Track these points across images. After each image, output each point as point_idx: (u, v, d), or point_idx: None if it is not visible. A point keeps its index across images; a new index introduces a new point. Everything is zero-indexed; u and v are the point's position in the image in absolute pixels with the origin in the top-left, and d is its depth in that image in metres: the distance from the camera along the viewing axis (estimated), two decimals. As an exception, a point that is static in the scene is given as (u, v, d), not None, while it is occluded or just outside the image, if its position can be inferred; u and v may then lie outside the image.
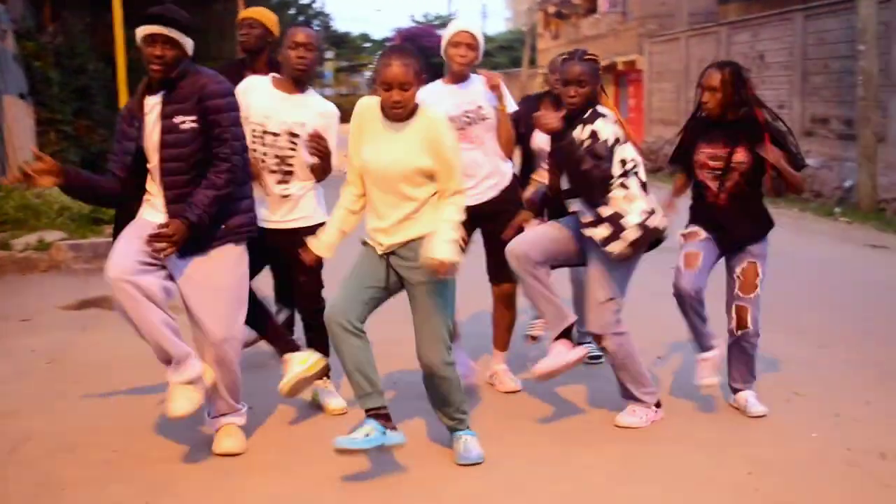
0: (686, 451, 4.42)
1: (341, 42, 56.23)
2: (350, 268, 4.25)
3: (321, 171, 4.77)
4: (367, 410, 4.15)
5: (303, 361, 4.71)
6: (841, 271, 9.35)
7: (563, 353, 4.59)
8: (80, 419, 4.80)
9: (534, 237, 4.71)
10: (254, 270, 4.71)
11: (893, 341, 6.44)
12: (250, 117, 4.69)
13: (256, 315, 4.76)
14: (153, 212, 4.28)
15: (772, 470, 4.20)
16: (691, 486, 4.04)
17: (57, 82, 12.44)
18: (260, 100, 4.73)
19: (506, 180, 5.20)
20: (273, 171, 4.76)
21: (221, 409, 4.41)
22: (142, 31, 4.13)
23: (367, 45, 58.62)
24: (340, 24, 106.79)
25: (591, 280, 4.66)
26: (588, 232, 4.52)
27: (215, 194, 4.15)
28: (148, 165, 4.26)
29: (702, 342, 4.91)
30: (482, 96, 5.08)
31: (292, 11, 43.89)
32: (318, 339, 4.97)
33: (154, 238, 4.01)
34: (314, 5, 51.27)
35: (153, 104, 4.21)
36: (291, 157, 4.76)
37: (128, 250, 4.11)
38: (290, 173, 4.78)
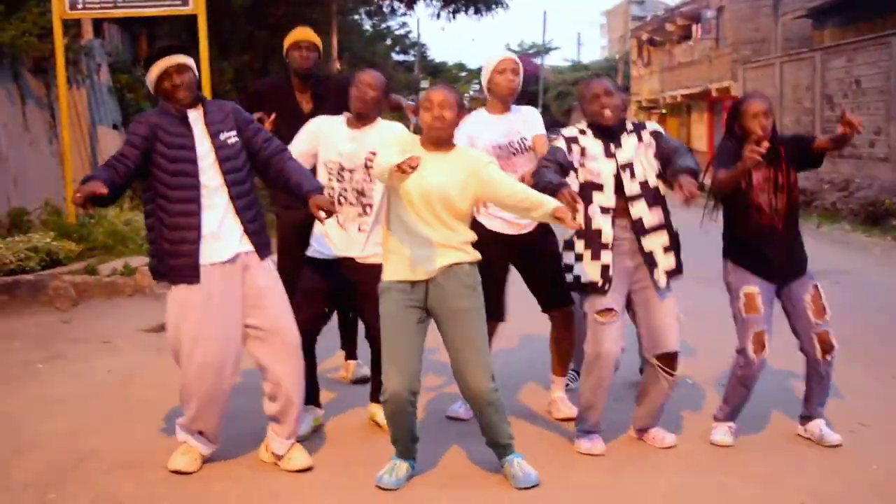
0: (740, 483, 4.34)
1: (437, 71, 56.73)
2: (388, 332, 4.26)
3: None
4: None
5: (316, 421, 5.07)
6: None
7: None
8: (143, 439, 4.94)
9: (618, 332, 4.64)
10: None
11: (973, 373, 6.21)
12: (323, 156, 4.87)
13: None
14: (211, 241, 4.34)
15: (827, 502, 4.10)
16: (739, 517, 3.98)
17: (149, 113, 12.86)
18: (332, 138, 4.89)
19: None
20: (352, 205, 4.86)
21: (294, 429, 4.53)
22: (157, 69, 4.33)
23: (463, 73, 58.98)
24: (436, 54, 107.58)
25: (661, 301, 4.64)
26: (652, 241, 4.61)
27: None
28: (200, 177, 4.32)
29: (729, 412, 4.90)
30: (525, 126, 5.20)
31: (388, 42, 44.60)
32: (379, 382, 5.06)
33: (325, 217, 4.31)
34: (410, 35, 52.04)
35: (192, 121, 4.38)
36: (370, 189, 4.87)
37: (214, 335, 4.35)
38: (369, 206, 4.88)
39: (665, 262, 4.62)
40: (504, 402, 4.35)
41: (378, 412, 5.08)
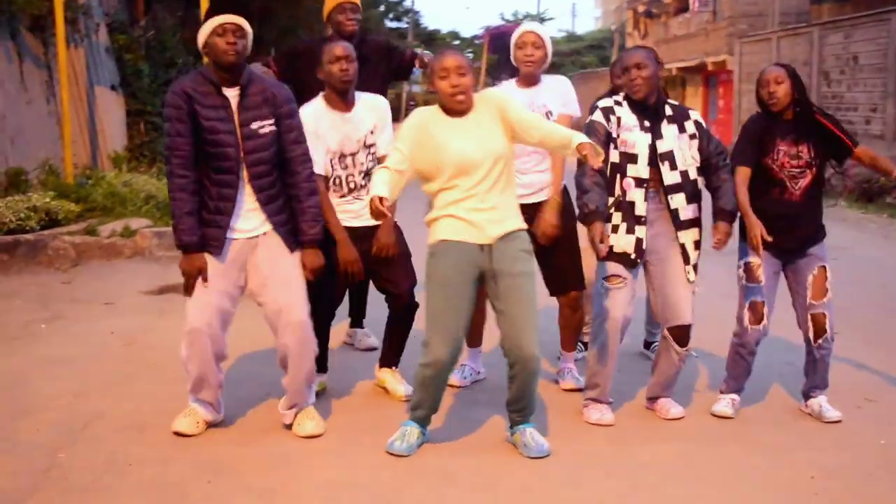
0: (747, 454, 4.37)
1: (431, 39, 56.44)
2: (439, 295, 4.20)
3: None
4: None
5: (320, 385, 5.00)
6: (926, 278, 9.09)
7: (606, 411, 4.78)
8: (151, 400, 4.93)
9: (624, 298, 4.65)
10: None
11: (975, 351, 6.25)
12: (319, 146, 4.75)
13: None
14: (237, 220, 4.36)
15: (835, 475, 4.13)
16: (747, 489, 4.00)
17: (147, 75, 12.76)
18: (321, 129, 4.78)
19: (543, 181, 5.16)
20: (362, 186, 4.85)
21: (297, 400, 4.52)
22: (214, 22, 4.24)
23: (457, 42, 58.72)
24: (430, 22, 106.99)
25: (679, 273, 4.66)
26: (687, 235, 4.65)
27: (319, 200, 4.47)
28: (220, 163, 4.30)
29: (733, 385, 4.93)
30: (551, 100, 5.13)
31: (381, 9, 44.32)
32: (393, 349, 5.08)
33: (310, 279, 4.43)
34: (404, 3, 51.74)
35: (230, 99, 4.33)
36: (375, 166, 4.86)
37: (206, 302, 4.34)
38: None
39: (695, 257, 4.67)
40: None
41: (387, 378, 5.09)
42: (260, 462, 4.20)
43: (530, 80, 5.17)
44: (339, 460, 4.23)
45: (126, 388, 5.15)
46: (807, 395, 4.94)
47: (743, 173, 4.72)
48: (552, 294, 5.28)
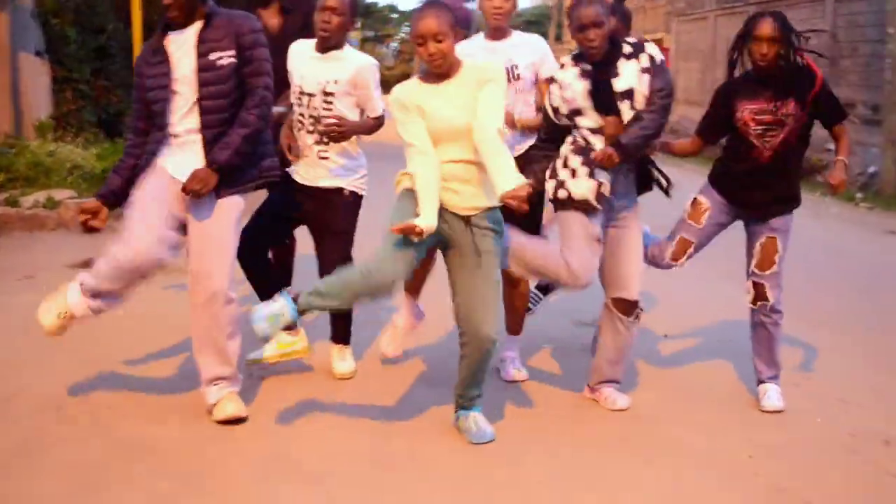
0: (686, 433, 4.31)
1: (367, 12, 55.96)
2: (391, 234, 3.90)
3: (366, 130, 4.74)
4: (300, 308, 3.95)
5: (289, 345, 4.92)
6: (858, 257, 9.18)
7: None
8: (72, 377, 4.74)
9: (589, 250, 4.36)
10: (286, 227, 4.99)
11: (908, 329, 6.29)
12: (292, 79, 4.77)
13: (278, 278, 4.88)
14: (175, 157, 4.19)
15: (773, 454, 4.10)
16: (687, 468, 3.94)
17: (75, 41, 12.34)
18: (298, 61, 4.75)
19: (526, 145, 4.90)
20: (310, 132, 4.72)
21: (215, 372, 4.28)
22: None
23: (394, 16, 58.27)
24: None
25: (633, 246, 4.47)
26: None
27: (246, 133, 4.18)
28: (171, 105, 4.17)
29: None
30: (520, 55, 4.84)
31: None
32: (341, 324, 4.95)
33: (185, 191, 4.10)
34: (342, -26, 51.15)
35: (182, 41, 4.16)
36: (326, 117, 4.64)
37: (147, 225, 4.12)
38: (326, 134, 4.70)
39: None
40: None
41: (333, 353, 4.97)
42: (181, 441, 4.04)
43: (499, 34, 4.87)
44: (265, 440, 4.09)
45: (44, 365, 4.95)
46: (758, 380, 4.77)
47: (694, 142, 4.79)
48: None
